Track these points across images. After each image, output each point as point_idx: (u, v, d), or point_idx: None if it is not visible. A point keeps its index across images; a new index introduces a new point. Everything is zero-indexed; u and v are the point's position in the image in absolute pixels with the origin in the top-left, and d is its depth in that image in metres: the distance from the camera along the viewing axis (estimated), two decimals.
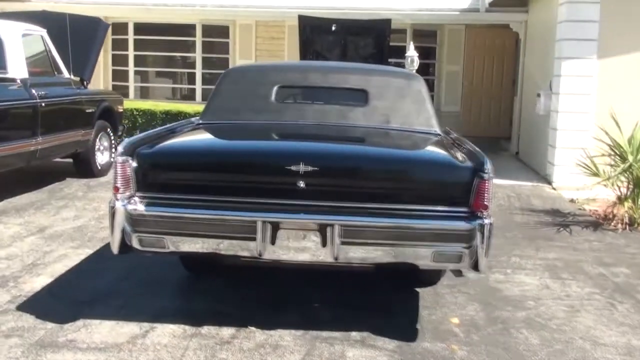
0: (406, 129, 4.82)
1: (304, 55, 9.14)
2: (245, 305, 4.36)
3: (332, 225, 3.68)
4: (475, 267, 3.70)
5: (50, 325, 3.92)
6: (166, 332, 3.89)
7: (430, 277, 4.76)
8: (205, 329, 3.94)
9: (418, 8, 11.34)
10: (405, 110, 4.96)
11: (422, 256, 3.73)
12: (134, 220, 3.78)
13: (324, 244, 3.73)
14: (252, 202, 3.80)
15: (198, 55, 13.80)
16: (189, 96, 14.11)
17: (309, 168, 3.73)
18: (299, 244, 3.77)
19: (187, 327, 3.96)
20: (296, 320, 4.08)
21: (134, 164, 3.82)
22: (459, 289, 4.73)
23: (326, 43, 9.08)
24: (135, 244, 3.82)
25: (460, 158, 3.95)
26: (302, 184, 3.75)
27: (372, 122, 4.86)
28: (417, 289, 4.70)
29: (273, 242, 3.76)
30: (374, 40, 9.11)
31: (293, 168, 3.73)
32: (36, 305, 4.24)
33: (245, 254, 3.83)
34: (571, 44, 8.90)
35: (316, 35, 8.99)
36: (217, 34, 13.64)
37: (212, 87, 5.42)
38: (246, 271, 4.83)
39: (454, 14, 11.58)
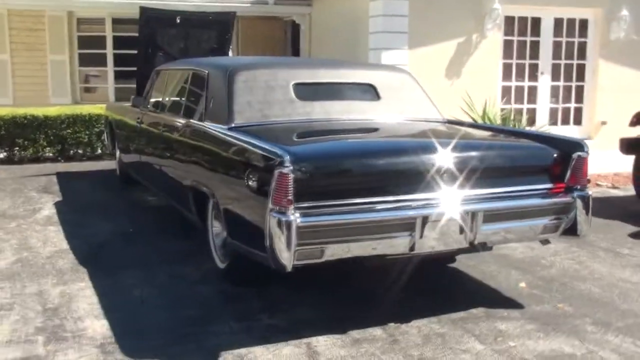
0: (425, 119, 5.19)
1: (144, 50, 8.54)
2: (346, 305, 4.35)
3: (474, 213, 3.97)
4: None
5: None
6: (328, 343, 3.77)
7: (452, 256, 5.22)
8: (355, 332, 3.90)
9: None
10: (413, 102, 5.32)
11: (537, 230, 4.25)
12: (300, 233, 3.56)
13: (461, 231, 3.99)
14: (402, 200, 3.87)
15: None
16: None
17: (450, 164, 3.96)
18: (442, 234, 3.96)
19: (338, 336, 3.86)
20: (396, 312, 4.23)
21: (299, 173, 3.58)
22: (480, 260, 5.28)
23: (167, 37, 8.60)
24: (292, 258, 3.60)
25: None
26: (443, 178, 3.96)
27: (390, 114, 5.12)
28: (451, 267, 5.14)
29: (421, 236, 3.89)
30: (217, 34, 8.92)
31: (439, 164, 3.92)
32: None
33: (398, 250, 3.90)
34: (385, 36, 9.90)
35: (158, 29, 8.46)
36: None
37: None
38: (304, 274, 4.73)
39: (245, 5, 11.80)
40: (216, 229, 4.79)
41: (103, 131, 9.70)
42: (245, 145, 4.08)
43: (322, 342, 3.81)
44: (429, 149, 4.03)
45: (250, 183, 3.88)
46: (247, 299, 4.45)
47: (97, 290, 4.59)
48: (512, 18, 10.46)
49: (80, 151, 10.17)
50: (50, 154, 10.07)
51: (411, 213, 3.83)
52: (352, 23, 10.71)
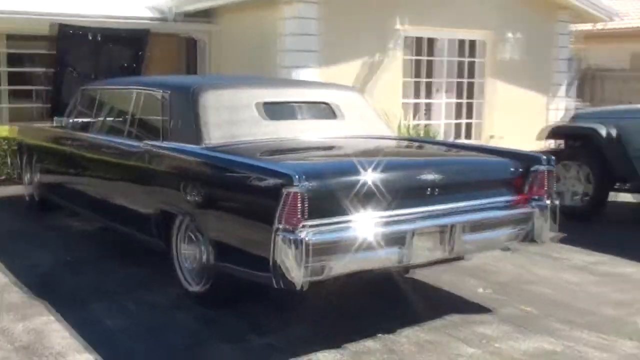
0: (382, 136, 5.40)
1: (60, 67, 8.14)
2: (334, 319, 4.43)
3: (454, 225, 4.21)
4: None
5: None
6: (329, 358, 3.84)
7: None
8: (350, 345, 3.99)
9: (110, 15, 10.97)
10: (366, 119, 5.52)
11: (503, 239, 4.57)
12: (310, 251, 3.62)
13: (443, 242, 4.23)
14: (396, 215, 4.04)
15: None
16: None
17: (434, 178, 4.19)
18: (427, 246, 4.17)
19: (335, 351, 3.94)
20: (380, 324, 4.35)
21: (306, 192, 3.64)
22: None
23: (81, 54, 8.23)
24: (302, 275, 3.65)
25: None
26: (430, 193, 4.18)
27: (351, 132, 5.29)
28: (409, 277, 5.36)
29: (410, 249, 4.07)
30: (130, 52, 8.67)
31: (425, 179, 4.14)
32: None
33: (391, 263, 4.05)
34: (297, 55, 10.09)
35: (73, 46, 8.10)
36: None
37: None
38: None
39: (145, 22, 11.51)
40: (186, 252, 4.71)
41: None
42: (243, 166, 4.08)
43: (322, 357, 3.87)
44: (417, 166, 4.25)
45: (250, 203, 3.89)
46: (228, 322, 4.41)
47: (65, 324, 4.35)
48: (412, 38, 11.01)
49: None
50: None
51: (404, 227, 3.99)
52: (261, 41, 10.79)
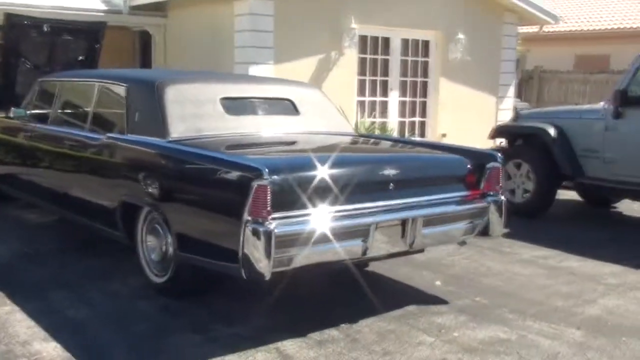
0: (344, 132, 5.54)
1: (5, 58, 7.98)
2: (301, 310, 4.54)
3: (414, 219, 4.38)
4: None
5: None
6: (295, 346, 3.96)
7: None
8: (314, 335, 4.12)
9: (62, 6, 10.79)
10: (328, 116, 5.65)
11: (460, 232, 4.76)
12: (278, 242, 3.72)
13: (404, 235, 4.39)
14: (359, 208, 4.17)
15: None
16: None
17: (395, 174, 4.35)
18: (389, 239, 4.33)
19: (301, 339, 4.06)
20: (342, 314, 4.53)
21: (274, 186, 3.74)
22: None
23: (33, 45, 8.10)
24: (270, 266, 3.75)
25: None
26: (390, 188, 4.33)
27: (312, 128, 5.41)
28: (368, 270, 5.52)
29: (373, 241, 4.22)
30: (86, 44, 8.56)
31: (387, 174, 4.30)
32: None
33: (355, 255, 4.19)
34: (252, 51, 10.14)
35: (24, 37, 7.95)
36: None
37: None
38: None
39: (99, 14, 11.37)
40: (150, 243, 4.75)
41: None
42: (211, 159, 4.14)
43: (289, 346, 3.98)
44: (378, 161, 4.40)
45: (218, 196, 3.97)
46: (193, 312, 4.48)
47: (28, 313, 4.35)
48: (366, 37, 11.18)
49: None
50: None
51: (366, 220, 4.13)
52: (215, 36, 10.80)
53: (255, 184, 3.69)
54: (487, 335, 4.25)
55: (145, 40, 12.83)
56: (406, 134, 11.80)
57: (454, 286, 5.23)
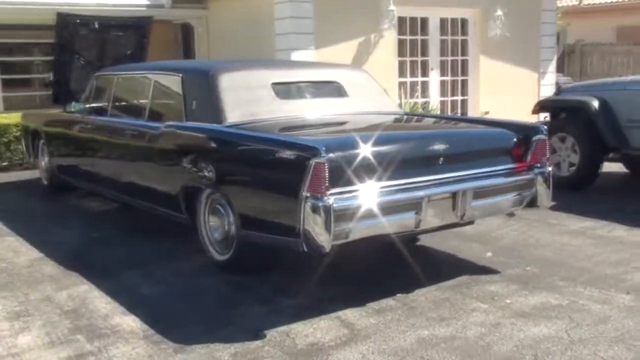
0: (391, 112, 5.72)
1: (59, 55, 8.36)
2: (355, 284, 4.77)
3: (465, 192, 4.55)
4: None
5: None
6: (356, 315, 4.18)
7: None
8: (372, 304, 4.34)
9: (107, 3, 11.16)
10: (375, 97, 5.83)
11: (508, 204, 4.92)
12: (336, 216, 3.94)
13: (454, 208, 4.56)
14: (411, 183, 4.37)
15: None
16: None
17: (444, 148, 4.52)
18: (440, 212, 4.51)
19: (360, 309, 4.28)
20: (397, 285, 4.72)
21: (330, 163, 3.95)
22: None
23: (85, 43, 8.45)
24: (330, 239, 3.97)
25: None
26: (440, 163, 4.51)
27: (362, 108, 5.60)
28: (419, 244, 5.70)
29: (425, 214, 4.41)
30: (134, 39, 8.90)
31: (436, 149, 4.48)
32: None
33: (408, 228, 4.39)
34: (293, 37, 10.35)
35: (76, 35, 8.31)
36: None
37: None
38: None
39: (142, 9, 11.71)
40: (213, 223, 5.01)
41: (11, 142, 9.42)
42: (269, 141, 4.38)
43: (350, 315, 4.20)
44: (428, 137, 4.58)
45: (277, 175, 4.20)
46: (256, 286, 4.73)
47: (105, 291, 4.67)
48: (405, 18, 11.29)
49: None
50: None
51: (419, 194, 4.33)
52: (255, 25, 11.03)
53: (313, 162, 3.91)
54: (538, 302, 4.41)
55: (186, 33, 13.14)
56: (449, 113, 11.91)
57: (504, 257, 5.39)
